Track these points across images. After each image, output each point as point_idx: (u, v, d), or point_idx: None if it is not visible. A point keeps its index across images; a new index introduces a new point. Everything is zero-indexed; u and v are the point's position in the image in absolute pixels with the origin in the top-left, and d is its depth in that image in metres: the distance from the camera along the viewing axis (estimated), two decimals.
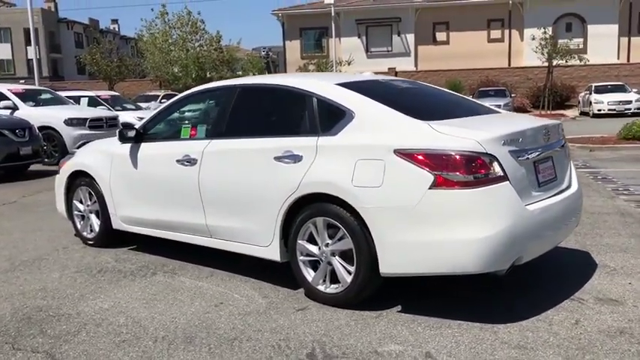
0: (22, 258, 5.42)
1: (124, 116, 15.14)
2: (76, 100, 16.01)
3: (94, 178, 5.54)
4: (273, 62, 68.72)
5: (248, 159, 4.29)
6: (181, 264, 5.02)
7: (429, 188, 3.43)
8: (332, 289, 3.94)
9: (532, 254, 3.71)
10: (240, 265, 4.79)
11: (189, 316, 3.85)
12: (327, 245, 3.91)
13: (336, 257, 3.88)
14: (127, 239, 5.64)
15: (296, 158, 3.99)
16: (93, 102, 16.13)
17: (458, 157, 3.40)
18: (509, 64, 35.86)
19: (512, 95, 27.14)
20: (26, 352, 3.37)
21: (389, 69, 34.34)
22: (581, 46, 33.28)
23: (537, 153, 3.79)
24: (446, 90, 5.05)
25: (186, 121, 5.10)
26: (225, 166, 4.43)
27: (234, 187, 4.37)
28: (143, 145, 5.14)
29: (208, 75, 34.83)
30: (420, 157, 3.47)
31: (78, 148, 13.19)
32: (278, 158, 4.09)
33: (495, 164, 3.44)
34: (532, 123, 4.00)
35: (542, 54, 26.06)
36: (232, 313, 3.88)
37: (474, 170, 3.39)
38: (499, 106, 24.89)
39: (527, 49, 34.80)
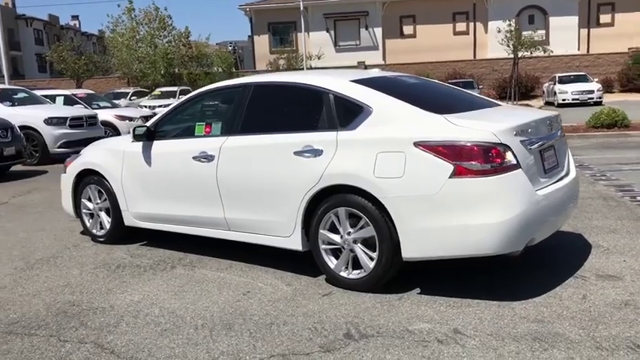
0: (35, 257, 5.50)
1: (102, 114, 15.03)
2: (52, 99, 15.82)
3: (104, 177, 5.65)
4: (239, 57, 68.37)
5: (267, 154, 4.49)
6: (198, 257, 5.19)
7: (449, 177, 3.69)
8: (354, 274, 4.18)
9: (542, 236, 4.02)
10: (257, 256, 4.99)
11: (221, 305, 4.04)
12: (349, 234, 4.14)
13: (358, 244, 4.12)
14: (137, 235, 5.78)
15: (316, 152, 4.21)
16: (69, 100, 15.96)
17: (475, 147, 3.68)
18: (475, 57, 36.60)
19: (480, 87, 27.77)
20: (74, 343, 3.52)
21: (358, 62, 34.70)
22: (543, 38, 34.15)
23: (543, 142, 4.10)
24: (446, 84, 5.33)
25: (200, 119, 5.25)
26: (244, 162, 4.62)
27: (253, 181, 4.56)
28: (155, 142, 5.28)
29: (177, 71, 34.62)
30: (440, 149, 3.73)
31: (59, 147, 13.17)
32: (298, 153, 4.30)
33: (509, 153, 3.72)
34: (537, 114, 4.31)
35: (509, 46, 26.73)
36: (262, 301, 4.09)
37: (490, 159, 3.67)
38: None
39: (492, 42, 35.56)
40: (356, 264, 4.18)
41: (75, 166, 5.95)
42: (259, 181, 4.53)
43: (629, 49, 32.60)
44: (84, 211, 5.97)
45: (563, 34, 34.89)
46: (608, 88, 29.87)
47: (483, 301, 3.85)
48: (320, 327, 3.60)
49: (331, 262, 4.28)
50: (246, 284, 4.45)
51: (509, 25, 27.32)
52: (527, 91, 31.67)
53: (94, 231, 5.92)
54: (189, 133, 5.22)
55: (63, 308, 4.12)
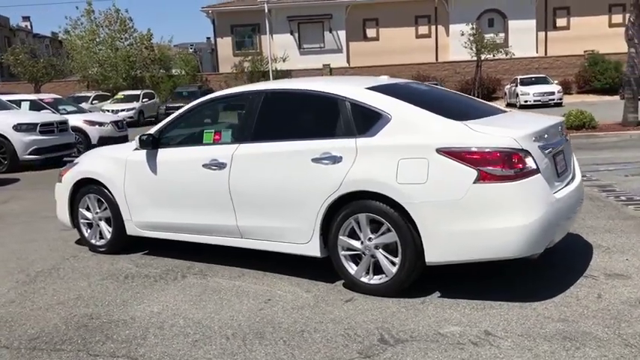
0: (35, 269, 5.36)
1: (71, 120, 14.66)
2: (16, 104, 15.35)
3: (105, 185, 5.54)
4: (199, 59, 67.58)
5: (283, 161, 4.50)
6: (206, 266, 5.15)
7: (474, 182, 3.78)
8: (376, 279, 4.23)
9: (558, 237, 4.16)
10: (268, 263, 4.99)
11: (245, 314, 4.03)
12: (370, 239, 4.19)
13: (380, 250, 4.17)
14: (138, 245, 5.70)
15: (335, 159, 4.25)
16: (35, 106, 15.51)
17: (499, 153, 3.78)
18: (437, 59, 37.17)
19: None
20: (105, 357, 3.47)
21: (323, 65, 34.89)
22: (503, 41, 34.99)
23: (555, 147, 4.24)
24: (453, 91, 5.44)
25: (207, 127, 5.21)
26: (258, 169, 4.62)
27: (268, 188, 4.56)
28: (160, 150, 5.22)
29: (139, 74, 34.10)
30: (464, 155, 3.82)
31: (29, 154, 12.82)
32: (316, 160, 4.32)
33: (529, 159, 3.84)
34: (550, 120, 4.45)
35: (472, 49, 27.30)
36: (286, 308, 4.10)
37: (513, 165, 3.77)
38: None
39: (453, 45, 36.29)
40: (377, 269, 4.23)
41: (72, 175, 5.82)
42: (275, 188, 4.53)
43: (584, 51, 33.66)
44: (82, 220, 5.84)
45: (522, 37, 35.75)
46: (566, 89, 30.75)
47: (505, 303, 3.96)
48: (352, 333, 3.64)
49: (351, 268, 4.32)
50: (264, 292, 4.45)
51: (473, 28, 27.90)
52: (489, 93, 32.36)
53: (93, 241, 5.80)
54: (196, 140, 5.18)
55: (82, 322, 4.04)
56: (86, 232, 5.85)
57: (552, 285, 4.25)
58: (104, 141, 15.36)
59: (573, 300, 3.98)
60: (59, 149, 13.48)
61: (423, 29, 37.82)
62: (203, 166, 4.87)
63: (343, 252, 4.33)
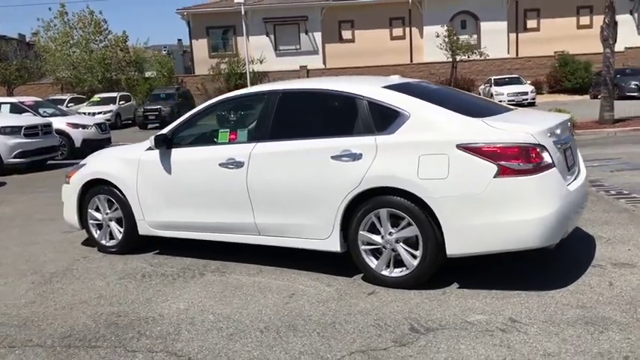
0: (47, 270, 5.36)
1: (54, 123, 14.47)
2: None
3: (116, 186, 5.57)
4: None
5: (302, 159, 4.60)
6: (222, 263, 5.22)
7: (494, 177, 3.95)
8: (396, 272, 4.36)
9: (570, 229, 4.36)
10: (285, 260, 5.08)
11: (272, 308, 4.12)
12: (390, 234, 4.32)
13: (400, 244, 4.31)
14: (147, 245, 5.74)
15: (355, 156, 4.37)
16: (16, 108, 15.27)
17: (517, 148, 3.95)
18: (412, 61, 37.58)
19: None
20: (145, 353, 3.52)
21: (300, 67, 34.99)
22: (475, 42, 35.58)
23: (565, 142, 4.44)
24: (460, 90, 5.61)
25: (222, 126, 5.28)
26: (276, 167, 4.71)
27: (287, 186, 4.66)
28: (174, 150, 5.27)
29: (114, 77, 33.73)
30: (484, 150, 3.98)
31: (14, 158, 12.64)
32: (336, 157, 4.44)
33: (546, 153, 4.02)
34: (559, 117, 4.66)
35: (447, 50, 27.73)
36: (311, 302, 4.20)
37: (531, 159, 3.95)
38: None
39: (428, 46, 36.77)
40: (397, 262, 4.37)
41: (81, 177, 5.83)
42: (294, 186, 4.63)
43: (555, 52, 34.44)
44: (91, 221, 5.85)
45: (494, 39, 36.36)
46: (538, 89, 31.39)
47: (523, 292, 4.13)
48: (382, 323, 3.76)
49: (372, 262, 4.44)
50: (286, 287, 4.54)
51: (447, 30, 28.33)
52: None
53: (103, 242, 5.82)
54: (211, 140, 5.25)
55: (111, 320, 4.08)
56: (95, 233, 5.86)
57: (564, 274, 4.44)
58: (87, 144, 15.25)
59: (587, 288, 4.17)
60: (44, 152, 13.32)
61: (397, 31, 38.20)
62: (220, 165, 4.95)
63: (363, 247, 4.45)
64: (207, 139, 5.33)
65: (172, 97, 27.94)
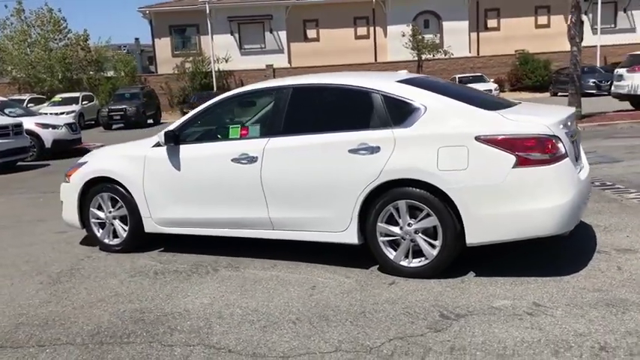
0: (53, 270, 5.27)
1: (24, 123, 14.09)
2: None
3: (120, 184, 5.50)
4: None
5: (319, 153, 4.65)
6: (233, 259, 5.22)
7: (513, 167, 4.09)
8: (415, 263, 4.46)
9: (581, 216, 4.53)
10: (296, 254, 5.12)
11: (298, 300, 4.16)
12: (409, 225, 4.42)
13: (419, 234, 4.41)
14: (149, 243, 5.71)
15: (373, 149, 4.45)
16: None
17: (535, 139, 4.10)
18: (376, 60, 37.92)
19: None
20: (182, 347, 3.52)
21: (267, 66, 34.96)
22: (438, 41, 36.20)
23: (574, 134, 4.62)
24: (466, 86, 5.75)
25: (232, 122, 5.28)
26: (291, 161, 4.75)
27: (304, 180, 4.70)
28: (183, 147, 5.24)
29: (76, 76, 32.97)
30: (503, 142, 4.12)
31: None
32: (353, 151, 4.51)
33: (560, 144, 4.19)
34: (568, 110, 4.84)
35: (413, 49, 28.14)
36: (335, 293, 4.26)
37: (547, 150, 4.10)
38: None
39: (391, 45, 37.26)
40: (415, 253, 4.46)
41: (82, 175, 5.73)
42: (311, 179, 4.67)
43: (515, 51, 35.37)
44: (93, 220, 5.76)
45: (456, 38, 37.08)
46: (500, 87, 32.21)
47: (538, 278, 4.28)
48: (412, 312, 3.85)
49: (390, 253, 4.53)
50: (305, 280, 4.58)
51: (414, 29, 28.74)
52: None
53: (106, 240, 5.74)
54: (221, 135, 5.25)
55: (136, 316, 4.05)
56: (98, 232, 5.77)
57: (573, 261, 4.62)
58: (58, 144, 14.93)
59: (598, 273, 4.35)
60: (15, 153, 12.97)
61: (361, 30, 38.53)
62: (232, 160, 4.95)
63: (382, 238, 4.53)
64: (217, 135, 5.33)
65: (137, 97, 27.49)
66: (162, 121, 28.37)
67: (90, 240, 5.98)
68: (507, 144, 4.11)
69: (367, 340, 3.47)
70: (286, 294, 4.32)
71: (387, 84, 4.67)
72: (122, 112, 25.49)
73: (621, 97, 17.70)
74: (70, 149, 15.15)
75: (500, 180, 4.12)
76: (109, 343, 3.64)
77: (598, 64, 32.26)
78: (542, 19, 38.45)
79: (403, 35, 29.50)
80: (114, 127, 25.83)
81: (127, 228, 5.61)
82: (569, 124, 4.48)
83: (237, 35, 37.67)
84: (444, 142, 4.26)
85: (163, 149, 5.30)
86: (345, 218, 4.60)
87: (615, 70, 18.51)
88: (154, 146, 5.39)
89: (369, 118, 4.64)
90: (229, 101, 5.32)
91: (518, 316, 3.66)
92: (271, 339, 3.56)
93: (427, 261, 4.41)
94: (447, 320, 3.67)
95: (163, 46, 37.83)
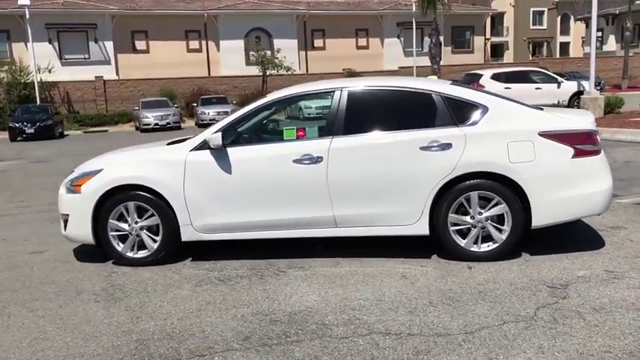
0: (93, 290, 4.74)
1: None
2: None
3: (154, 191, 5.13)
4: None
5: (389, 151, 4.92)
6: (289, 261, 5.16)
7: (572, 158, 4.80)
8: (484, 247, 4.94)
9: None
10: (356, 249, 5.29)
11: (396, 289, 4.36)
12: (480, 213, 4.89)
13: (489, 222, 4.90)
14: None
15: (445, 146, 4.85)
16: None
17: (586, 134, 4.87)
18: (209, 74, 37.75)
19: (234, 102, 29.07)
20: (358, 337, 3.56)
21: (96, 77, 32.85)
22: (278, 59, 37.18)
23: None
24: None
25: (282, 123, 5.26)
26: (360, 160, 4.94)
27: (373, 177, 4.92)
28: (232, 149, 5.10)
29: None
30: (562, 136, 4.81)
31: None
32: (425, 148, 4.87)
33: (599, 137, 5.01)
34: (590, 112, 5.72)
35: (257, 64, 28.66)
36: (429, 280, 4.53)
37: (595, 142, 4.89)
38: (227, 113, 26.62)
39: (225, 59, 37.56)
40: (484, 239, 4.94)
41: (102, 184, 5.18)
42: (381, 177, 4.91)
43: (343, 69, 37.76)
44: (112, 233, 5.25)
45: (287, 55, 38.42)
46: None
47: (583, 253, 5.01)
48: (526, 287, 4.27)
49: (460, 240, 4.95)
50: (389, 272, 4.77)
51: (257, 44, 29.29)
52: None
53: (130, 254, 5.28)
54: (274, 137, 5.21)
55: (263, 319, 3.91)
56: (118, 246, 5.27)
57: (588, 238, 5.47)
58: None
59: (620, 244, 5.25)
60: None
61: (194, 44, 38.12)
62: (294, 161, 4.97)
63: (452, 228, 4.94)
64: (269, 136, 5.27)
65: None
66: None
67: (91, 257, 5.47)
68: (566, 138, 4.82)
69: (490, 318, 3.76)
70: (378, 286, 4.47)
71: (448, 87, 5.11)
72: None
73: None
74: None
75: (562, 169, 4.80)
76: (269, 345, 3.53)
77: None
78: (362, 41, 41.78)
79: (246, 51, 29.85)
80: None
81: (157, 238, 5.23)
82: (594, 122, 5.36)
83: (56, 44, 34.80)
84: (512, 138, 4.82)
85: (207, 152, 5.09)
86: (417, 211, 4.92)
87: None
88: (193, 150, 5.14)
89: (433, 117, 5.03)
90: (279, 104, 5.31)
91: (605, 282, 4.32)
92: (426, 320, 3.76)
93: (496, 245, 4.91)
94: (561, 289, 4.21)
95: None
